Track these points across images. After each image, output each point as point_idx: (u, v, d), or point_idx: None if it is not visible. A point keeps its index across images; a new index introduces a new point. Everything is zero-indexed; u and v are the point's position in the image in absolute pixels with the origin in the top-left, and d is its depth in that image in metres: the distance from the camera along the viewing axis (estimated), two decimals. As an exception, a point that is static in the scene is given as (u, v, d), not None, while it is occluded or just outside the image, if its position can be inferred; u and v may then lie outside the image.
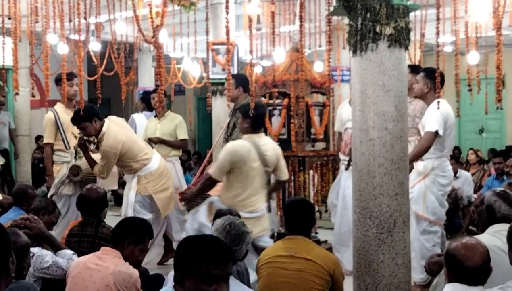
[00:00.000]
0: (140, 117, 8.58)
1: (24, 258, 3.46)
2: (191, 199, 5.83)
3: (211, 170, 5.61)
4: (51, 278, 4.18)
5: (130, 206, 6.50)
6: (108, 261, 3.90)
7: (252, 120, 5.53)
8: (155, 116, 7.76)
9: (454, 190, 8.24)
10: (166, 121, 7.63)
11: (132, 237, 4.05)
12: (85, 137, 6.44)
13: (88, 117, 6.22)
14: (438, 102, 5.00)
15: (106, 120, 6.44)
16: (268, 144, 5.66)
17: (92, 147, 6.57)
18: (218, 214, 4.58)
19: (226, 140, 6.67)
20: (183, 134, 7.67)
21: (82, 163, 6.56)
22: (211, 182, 5.61)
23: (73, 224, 5.25)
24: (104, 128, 6.31)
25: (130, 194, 6.56)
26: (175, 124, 7.59)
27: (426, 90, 5.83)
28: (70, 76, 6.69)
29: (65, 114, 6.86)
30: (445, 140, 5.71)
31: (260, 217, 5.60)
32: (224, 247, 2.73)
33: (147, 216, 6.40)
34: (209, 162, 7.30)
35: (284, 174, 5.88)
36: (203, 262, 2.59)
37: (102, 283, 3.80)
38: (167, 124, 7.60)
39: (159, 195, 6.59)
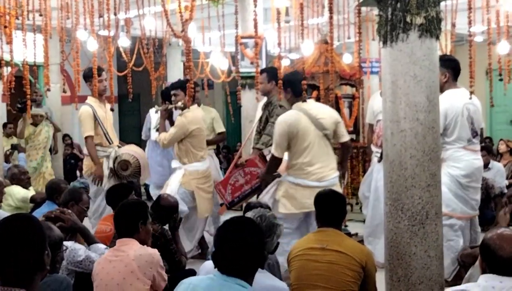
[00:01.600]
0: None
1: (57, 251, 3.50)
2: (268, 179, 5.90)
3: (273, 150, 5.65)
4: (83, 271, 4.23)
5: (173, 193, 6.53)
6: (126, 248, 3.95)
7: (291, 87, 5.61)
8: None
9: (484, 179, 8.10)
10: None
11: (141, 218, 4.11)
12: (173, 106, 6.75)
13: (185, 88, 6.48)
14: (471, 92, 4.92)
15: (196, 105, 6.79)
16: (320, 108, 5.69)
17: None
18: (249, 207, 4.60)
19: (259, 133, 6.69)
20: (221, 127, 7.76)
21: (129, 157, 6.72)
22: (276, 162, 5.67)
23: (107, 217, 5.30)
24: (192, 107, 6.67)
25: (174, 184, 6.65)
26: (212, 118, 7.66)
27: (445, 79, 5.54)
28: (98, 71, 6.73)
29: (99, 108, 6.91)
30: (452, 132, 5.53)
31: (330, 186, 5.51)
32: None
33: (184, 208, 6.49)
34: (240, 157, 7.29)
35: (344, 136, 5.85)
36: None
37: (127, 271, 3.85)
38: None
39: (201, 193, 6.70)
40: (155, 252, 3.99)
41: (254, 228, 3.05)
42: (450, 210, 5.52)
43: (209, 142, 7.54)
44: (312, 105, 5.60)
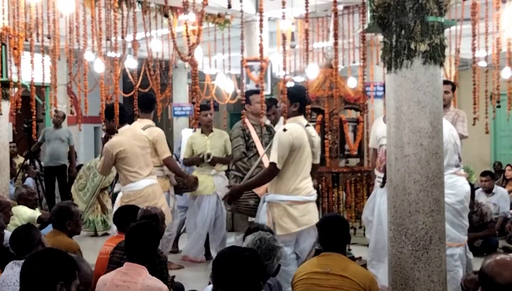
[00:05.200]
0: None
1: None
2: (237, 196, 5.70)
3: (274, 159, 5.33)
4: None
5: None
6: (135, 276, 3.90)
7: (301, 103, 5.45)
8: (202, 132, 7.81)
9: (479, 205, 8.08)
10: (215, 137, 7.73)
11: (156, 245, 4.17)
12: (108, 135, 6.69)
13: (107, 114, 6.46)
14: (475, 119, 4.97)
15: (127, 126, 6.52)
16: (311, 127, 5.65)
17: None
18: (249, 230, 4.58)
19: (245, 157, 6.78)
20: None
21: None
22: (274, 173, 5.37)
23: (113, 238, 5.30)
24: (121, 130, 6.44)
25: (114, 210, 6.63)
26: (224, 140, 7.70)
27: None
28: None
29: None
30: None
31: (314, 201, 5.53)
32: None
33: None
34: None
35: (318, 158, 5.83)
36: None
37: None
38: (217, 140, 7.69)
39: None
40: (164, 286, 3.93)
41: (250, 263, 3.05)
42: (448, 240, 5.44)
43: (219, 161, 7.62)
44: (305, 122, 5.56)
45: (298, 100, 5.42)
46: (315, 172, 5.91)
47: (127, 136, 6.42)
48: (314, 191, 5.57)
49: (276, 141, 5.37)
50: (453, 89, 6.61)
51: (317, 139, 5.63)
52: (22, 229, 4.51)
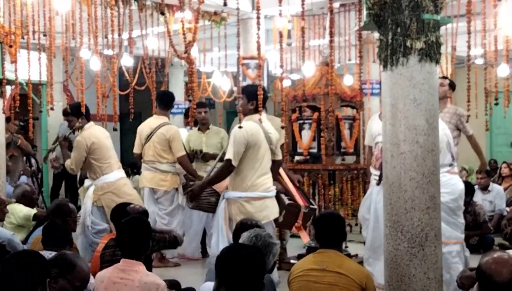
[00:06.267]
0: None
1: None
2: (199, 193, 5.81)
3: (230, 156, 5.45)
4: None
5: (88, 214, 6.71)
6: (132, 273, 3.89)
7: (257, 101, 5.47)
8: (198, 129, 7.84)
9: (472, 205, 8.09)
10: (211, 134, 7.80)
11: (149, 236, 4.16)
12: (71, 131, 7.06)
13: (76, 113, 6.83)
14: (469, 116, 4.98)
15: (91, 123, 6.89)
16: (268, 123, 5.70)
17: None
18: (244, 227, 4.57)
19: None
20: None
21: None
22: (230, 170, 5.49)
23: (110, 235, 5.31)
24: (86, 126, 6.79)
25: (88, 203, 6.79)
26: (221, 137, 7.79)
27: None
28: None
29: None
30: None
31: (273, 197, 5.61)
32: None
33: (103, 227, 6.56)
34: None
35: (280, 154, 5.90)
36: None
37: None
38: (213, 137, 7.78)
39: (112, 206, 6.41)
40: (161, 282, 3.93)
41: (255, 261, 3.09)
42: (444, 238, 5.49)
43: (211, 157, 7.60)
44: (263, 119, 5.59)
45: (255, 98, 5.48)
46: (277, 168, 5.96)
47: (95, 130, 6.78)
48: (273, 187, 5.65)
49: (231, 139, 5.49)
50: (453, 87, 6.61)
51: (274, 136, 5.68)
52: (57, 224, 4.67)
